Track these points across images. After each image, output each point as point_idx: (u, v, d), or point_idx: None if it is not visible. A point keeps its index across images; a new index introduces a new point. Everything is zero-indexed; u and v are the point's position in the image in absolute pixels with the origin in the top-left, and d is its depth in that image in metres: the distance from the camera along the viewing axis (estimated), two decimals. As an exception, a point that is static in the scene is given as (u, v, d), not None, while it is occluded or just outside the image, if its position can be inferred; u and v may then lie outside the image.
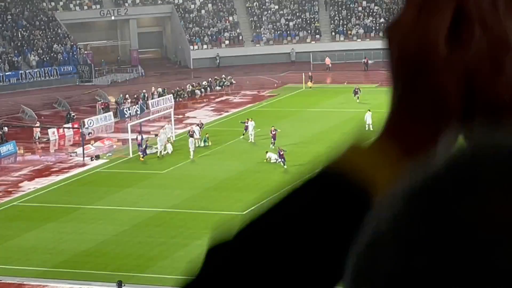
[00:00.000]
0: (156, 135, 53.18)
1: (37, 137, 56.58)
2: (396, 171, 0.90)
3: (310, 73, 72.33)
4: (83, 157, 50.21)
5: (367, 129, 53.26)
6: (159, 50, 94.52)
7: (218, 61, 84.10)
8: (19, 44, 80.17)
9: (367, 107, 56.95)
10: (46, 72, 77.44)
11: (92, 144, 53.17)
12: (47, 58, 79.38)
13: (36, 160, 51.72)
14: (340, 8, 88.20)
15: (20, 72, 76.56)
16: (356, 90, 63.77)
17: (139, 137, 50.04)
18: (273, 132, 49.24)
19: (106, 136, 57.08)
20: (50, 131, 56.89)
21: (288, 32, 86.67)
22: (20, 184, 45.58)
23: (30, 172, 48.11)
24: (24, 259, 34.27)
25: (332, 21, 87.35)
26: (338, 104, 63.21)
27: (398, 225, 0.71)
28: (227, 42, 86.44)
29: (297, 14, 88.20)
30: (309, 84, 70.19)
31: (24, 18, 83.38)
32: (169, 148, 49.84)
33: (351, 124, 54.47)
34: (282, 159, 45.54)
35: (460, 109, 0.90)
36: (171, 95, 67.52)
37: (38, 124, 58.91)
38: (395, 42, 0.92)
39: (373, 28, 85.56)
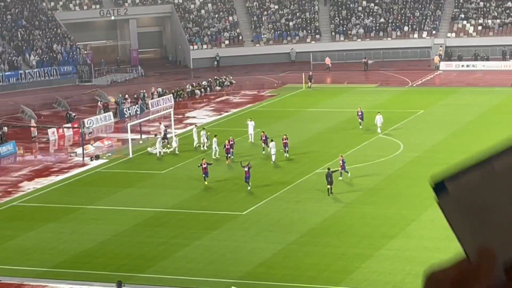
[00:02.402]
0: (156, 135, 53.22)
1: (34, 136, 56.46)
2: None
3: (310, 73, 72.16)
4: (83, 157, 50.14)
5: (378, 131, 53.44)
6: (158, 50, 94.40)
7: (217, 60, 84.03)
8: (18, 44, 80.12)
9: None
10: (45, 72, 77.40)
11: (92, 144, 53.10)
12: (47, 58, 79.34)
13: (36, 160, 51.66)
14: (340, 8, 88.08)
15: (20, 72, 76.52)
16: (360, 114, 54.12)
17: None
18: (284, 140, 48.08)
19: (106, 136, 56.99)
20: (50, 131, 56.77)
21: (288, 32, 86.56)
22: (20, 184, 45.50)
23: (30, 172, 48.03)
24: (24, 259, 34.21)
25: (332, 21, 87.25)
26: (338, 104, 63.08)
27: None
28: (227, 42, 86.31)
29: (297, 14, 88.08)
30: (308, 84, 70.00)
31: (23, 18, 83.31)
32: (174, 144, 50.09)
33: (351, 125, 54.44)
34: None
35: None
36: (171, 95, 67.37)
37: (33, 123, 58.78)
38: None
39: (373, 28, 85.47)
